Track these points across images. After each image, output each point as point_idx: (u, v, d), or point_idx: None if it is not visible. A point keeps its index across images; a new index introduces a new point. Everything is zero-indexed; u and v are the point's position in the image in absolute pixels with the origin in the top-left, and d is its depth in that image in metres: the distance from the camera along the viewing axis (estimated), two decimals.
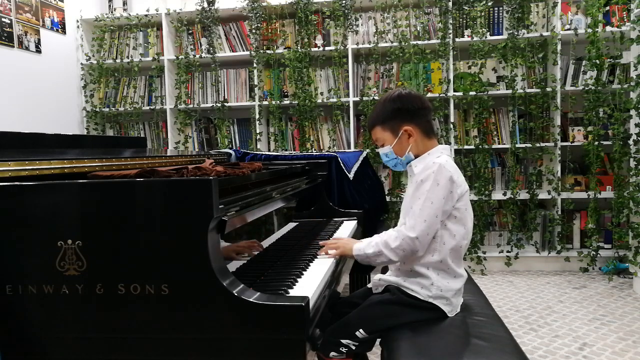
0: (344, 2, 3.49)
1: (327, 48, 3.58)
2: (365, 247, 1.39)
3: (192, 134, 3.88)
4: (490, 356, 1.16)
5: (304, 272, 1.30)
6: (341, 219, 2.16)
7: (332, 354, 1.40)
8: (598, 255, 3.32)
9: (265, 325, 0.95)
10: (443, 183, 1.31)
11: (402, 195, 3.44)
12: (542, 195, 3.40)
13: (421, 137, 1.43)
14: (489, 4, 3.42)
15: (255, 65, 3.65)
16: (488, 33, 3.44)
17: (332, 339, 1.39)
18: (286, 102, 3.65)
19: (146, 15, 3.77)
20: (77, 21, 3.77)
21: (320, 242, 1.54)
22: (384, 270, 1.54)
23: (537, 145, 3.41)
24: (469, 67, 3.49)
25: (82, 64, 3.83)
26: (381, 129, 1.46)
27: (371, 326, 1.38)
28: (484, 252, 3.46)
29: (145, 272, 0.98)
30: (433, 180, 1.31)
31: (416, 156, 1.44)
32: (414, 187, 1.37)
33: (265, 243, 1.57)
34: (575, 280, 3.23)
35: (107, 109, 3.86)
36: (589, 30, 3.21)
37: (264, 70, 3.72)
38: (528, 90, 3.39)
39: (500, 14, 3.49)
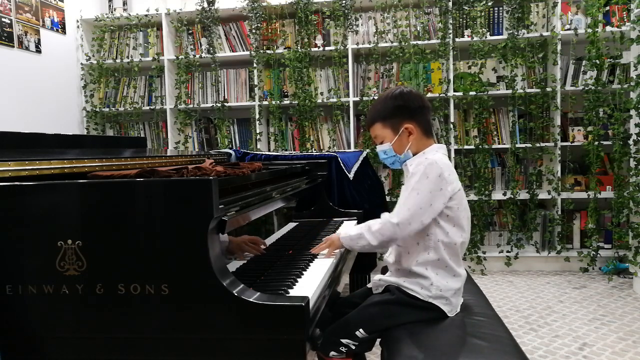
0: (344, 2, 3.49)
1: (327, 48, 3.58)
2: (350, 230, 1.44)
3: (192, 134, 3.88)
4: (490, 356, 1.16)
5: (304, 272, 1.30)
6: (341, 219, 2.16)
7: (332, 353, 1.41)
8: (598, 255, 3.32)
9: (265, 325, 0.95)
10: (432, 177, 1.32)
11: None
12: (542, 195, 3.40)
13: (420, 136, 1.44)
14: (489, 4, 3.42)
15: (255, 65, 3.65)
16: (488, 33, 3.44)
17: (332, 338, 1.40)
18: (286, 102, 3.65)
19: (146, 15, 3.77)
20: (77, 21, 3.77)
21: (311, 250, 1.51)
22: (384, 271, 1.55)
23: (537, 145, 3.41)
24: (469, 67, 3.49)
25: (82, 64, 3.83)
26: (381, 125, 1.47)
27: (371, 326, 1.38)
28: (484, 252, 3.46)
29: (145, 272, 0.98)
30: (422, 173, 1.33)
31: (414, 154, 1.45)
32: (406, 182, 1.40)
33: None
34: (575, 280, 3.23)
35: (107, 109, 3.86)
36: (589, 30, 3.21)
37: (264, 70, 3.72)
38: (528, 90, 3.39)
39: (500, 14, 3.49)
